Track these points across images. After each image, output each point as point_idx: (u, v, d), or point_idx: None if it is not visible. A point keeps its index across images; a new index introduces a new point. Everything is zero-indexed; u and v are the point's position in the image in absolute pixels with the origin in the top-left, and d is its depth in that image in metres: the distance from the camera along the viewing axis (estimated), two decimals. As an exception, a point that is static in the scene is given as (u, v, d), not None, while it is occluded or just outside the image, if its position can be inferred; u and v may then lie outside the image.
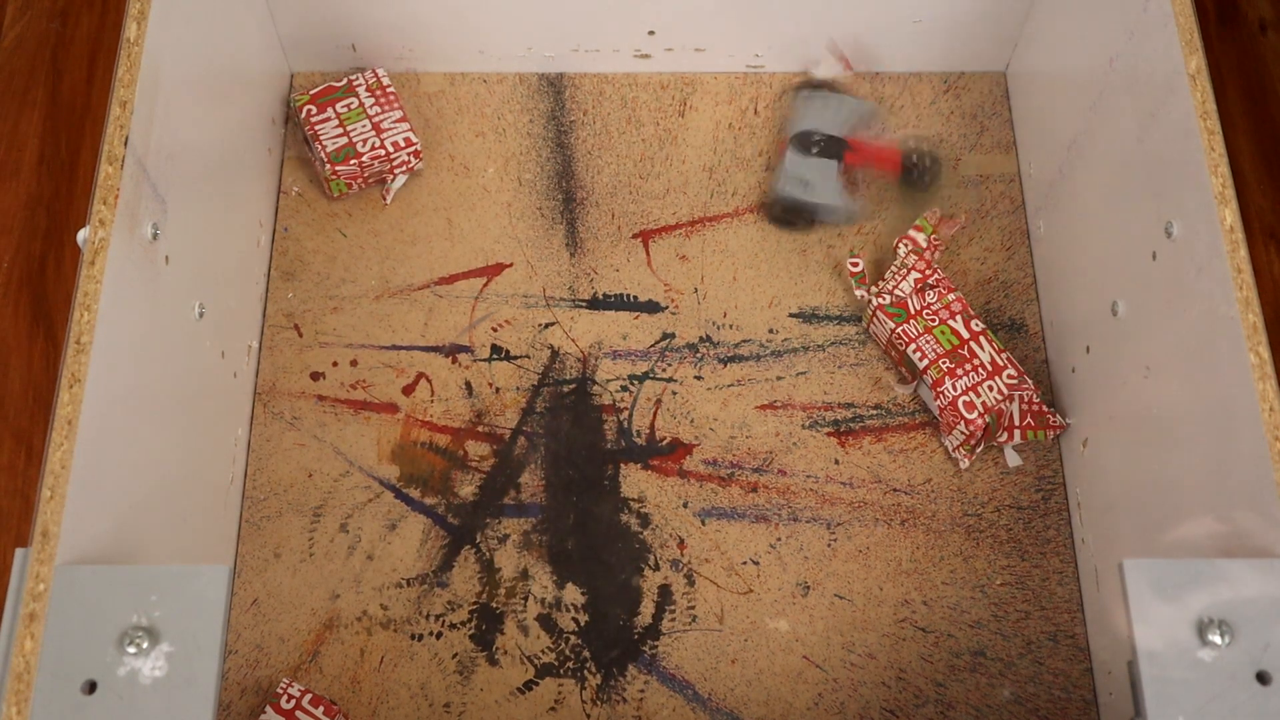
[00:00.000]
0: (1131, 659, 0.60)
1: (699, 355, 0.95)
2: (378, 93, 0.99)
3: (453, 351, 0.95)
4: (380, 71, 1.00)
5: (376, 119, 0.97)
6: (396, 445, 0.92)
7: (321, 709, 0.82)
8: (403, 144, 0.97)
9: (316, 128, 0.97)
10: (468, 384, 0.94)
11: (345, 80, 1.00)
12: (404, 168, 0.98)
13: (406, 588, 0.88)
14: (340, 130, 0.97)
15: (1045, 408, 0.90)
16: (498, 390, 0.94)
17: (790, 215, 0.98)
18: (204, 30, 0.84)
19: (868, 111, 1.01)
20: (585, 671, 0.86)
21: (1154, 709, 0.58)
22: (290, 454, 0.92)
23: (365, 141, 0.97)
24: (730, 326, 0.96)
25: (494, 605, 0.87)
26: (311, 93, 0.99)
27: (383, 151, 0.97)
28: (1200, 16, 0.85)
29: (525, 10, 0.99)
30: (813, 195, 0.97)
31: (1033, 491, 0.91)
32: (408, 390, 0.94)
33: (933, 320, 0.91)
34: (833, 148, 0.98)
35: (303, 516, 0.90)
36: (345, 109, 0.98)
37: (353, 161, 0.96)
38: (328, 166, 0.96)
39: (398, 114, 0.98)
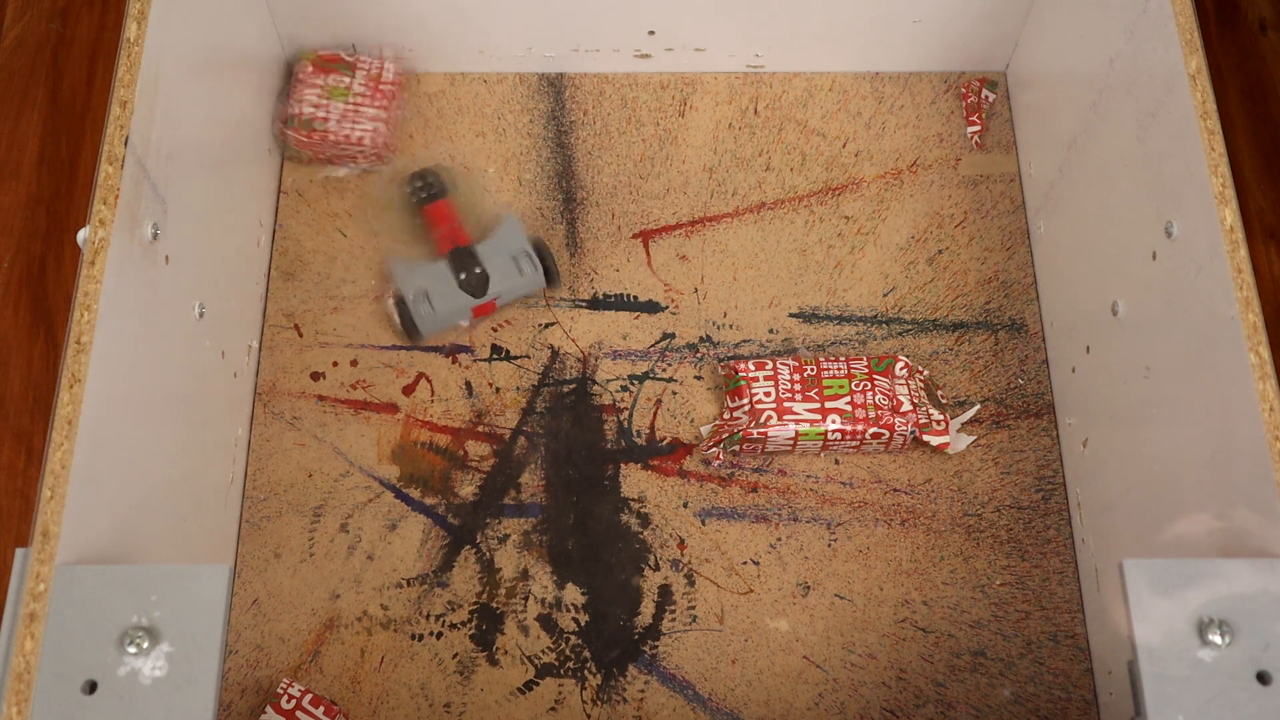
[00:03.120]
0: (1131, 659, 0.60)
1: (699, 355, 0.95)
2: (372, 85, 0.98)
3: (453, 351, 0.95)
4: (389, 65, 1.00)
5: (356, 106, 0.97)
6: (397, 445, 0.92)
7: (322, 709, 0.82)
8: (365, 141, 0.97)
9: (302, 88, 0.98)
10: (468, 384, 0.94)
11: (354, 58, 1.00)
12: (358, 160, 0.99)
13: (407, 588, 0.88)
14: (316, 100, 0.97)
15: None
16: (498, 390, 0.94)
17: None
18: (204, 30, 0.84)
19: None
20: (585, 671, 0.86)
21: (1154, 709, 0.58)
22: (290, 454, 0.92)
23: (330, 120, 0.97)
24: (730, 326, 0.96)
25: (494, 605, 0.87)
26: (320, 53, 1.00)
27: (342, 138, 0.97)
28: (1200, 16, 0.85)
29: (525, 10, 0.99)
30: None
31: (1033, 491, 0.91)
32: (408, 390, 0.94)
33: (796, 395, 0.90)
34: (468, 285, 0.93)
35: (303, 516, 0.90)
36: (335, 82, 0.98)
37: (306, 134, 0.97)
38: (278, 124, 0.98)
39: (380, 110, 0.98)
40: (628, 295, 0.97)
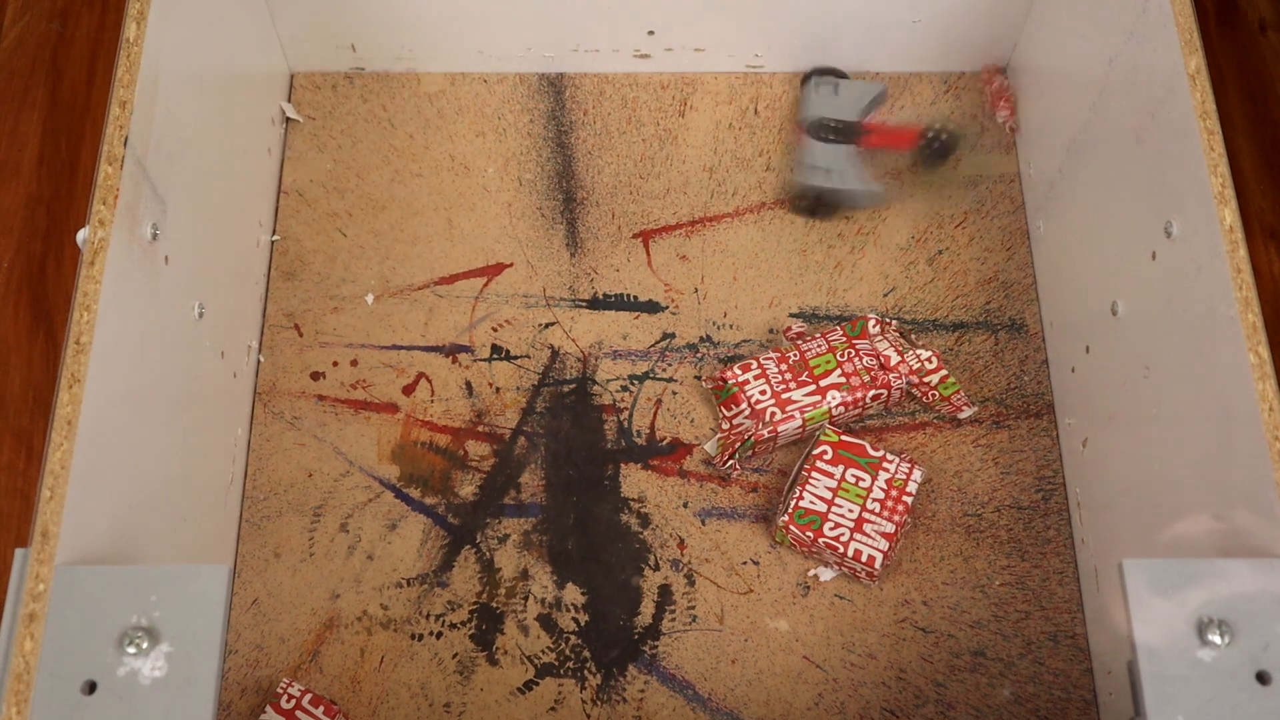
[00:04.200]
0: (1131, 659, 0.60)
1: (699, 355, 0.95)
2: (891, 491, 0.86)
3: (453, 351, 0.95)
4: (916, 475, 0.86)
5: (869, 513, 0.85)
6: (397, 445, 0.92)
7: (321, 709, 0.82)
8: (863, 559, 0.84)
9: (812, 472, 0.86)
10: (468, 384, 0.94)
11: (881, 454, 0.86)
12: (847, 572, 0.87)
13: (406, 587, 0.88)
14: (829, 493, 0.85)
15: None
16: (498, 390, 0.94)
17: (817, 205, 0.98)
18: (204, 30, 0.84)
19: (878, 93, 1.00)
20: (585, 671, 0.86)
21: (1154, 709, 0.58)
22: (290, 454, 0.92)
23: (836, 526, 0.85)
24: (730, 326, 0.96)
25: (494, 605, 0.87)
26: (842, 438, 0.87)
27: (839, 548, 0.84)
28: (1200, 17, 0.85)
29: (525, 10, 0.99)
30: (836, 182, 0.96)
31: (1033, 491, 0.91)
32: (408, 390, 0.94)
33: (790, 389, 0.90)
34: (848, 132, 0.97)
35: (303, 516, 0.90)
36: (852, 479, 0.86)
37: (809, 532, 0.85)
38: (786, 517, 0.85)
39: (890, 527, 0.85)
40: (628, 295, 0.97)
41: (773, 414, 0.88)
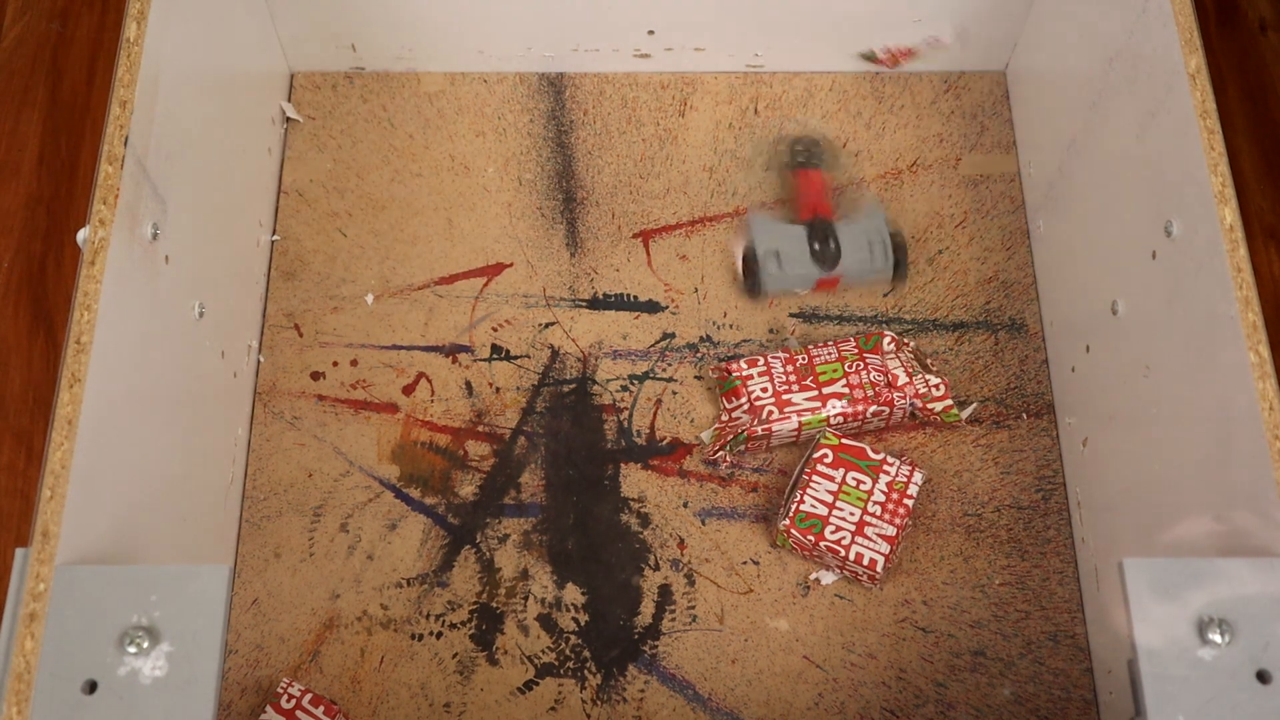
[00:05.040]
0: (1131, 658, 0.60)
1: (699, 355, 0.95)
2: (892, 494, 0.86)
3: (453, 351, 0.95)
4: (917, 478, 0.87)
5: (870, 516, 0.85)
6: (396, 445, 0.92)
7: (321, 709, 0.82)
8: (865, 562, 0.84)
9: (813, 475, 0.86)
10: (468, 384, 0.94)
11: (881, 457, 0.87)
12: (848, 575, 0.87)
13: (406, 587, 0.88)
14: (830, 496, 0.86)
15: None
16: (498, 390, 0.94)
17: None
18: (204, 30, 0.84)
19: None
20: (585, 671, 0.86)
21: (1154, 708, 0.58)
22: (290, 454, 0.92)
23: (837, 530, 0.85)
24: (730, 326, 0.96)
25: (494, 605, 0.87)
26: (843, 441, 0.88)
27: (840, 551, 0.85)
28: (1200, 16, 0.85)
29: (525, 10, 0.99)
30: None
31: (1033, 491, 0.91)
32: (408, 390, 0.94)
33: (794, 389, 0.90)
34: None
35: (303, 516, 0.90)
36: (853, 482, 0.86)
37: (810, 536, 0.85)
38: (787, 521, 0.86)
39: (891, 530, 0.85)
40: (628, 295, 0.97)
41: (770, 412, 0.88)
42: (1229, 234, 0.68)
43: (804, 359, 0.91)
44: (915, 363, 0.91)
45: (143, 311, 0.72)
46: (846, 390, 0.89)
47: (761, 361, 0.91)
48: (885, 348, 0.91)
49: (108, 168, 0.69)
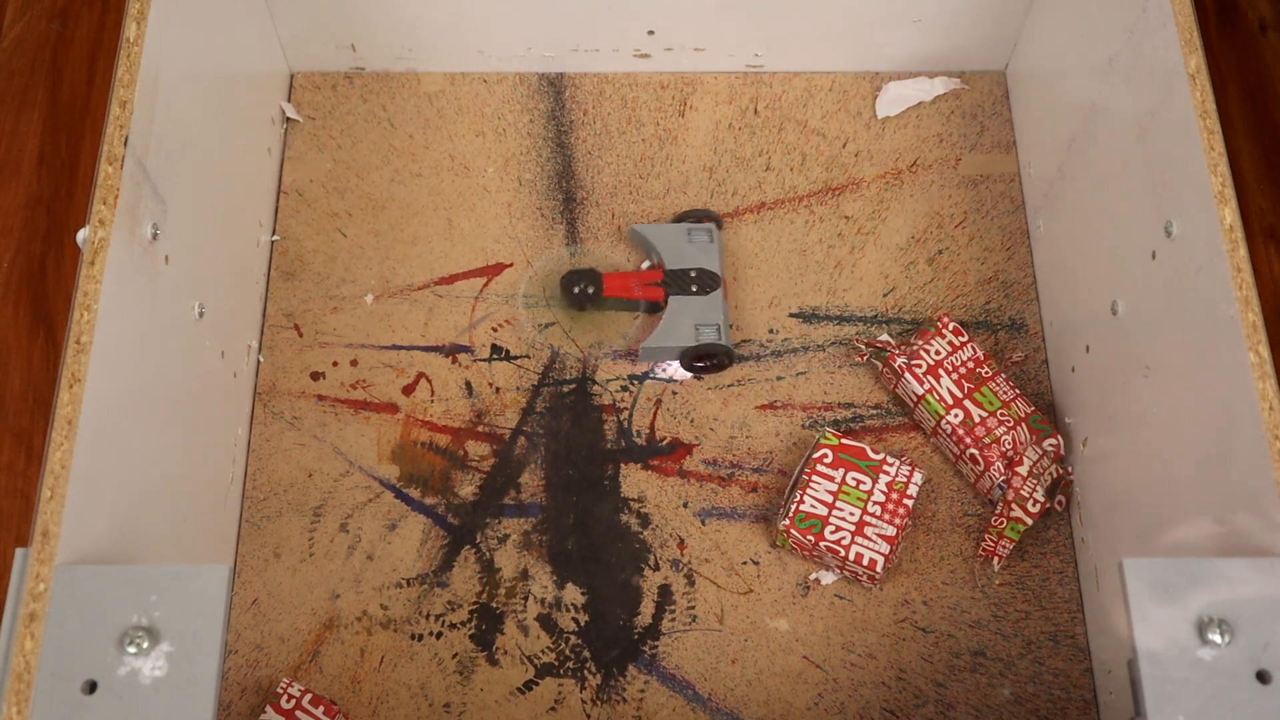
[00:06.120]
0: (1131, 658, 0.60)
1: (699, 355, 0.95)
2: (892, 494, 0.86)
3: (453, 351, 0.95)
4: (917, 478, 0.87)
5: (870, 516, 0.85)
6: (396, 445, 0.92)
7: (321, 709, 0.82)
8: (865, 562, 0.84)
9: (812, 475, 0.87)
10: (468, 384, 0.94)
11: (881, 457, 0.87)
12: (848, 575, 0.87)
13: (406, 588, 0.88)
14: (830, 496, 0.86)
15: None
16: (498, 390, 0.94)
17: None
18: (204, 30, 0.84)
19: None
20: (585, 671, 0.86)
21: (1154, 708, 0.58)
22: (290, 454, 0.92)
23: (837, 530, 0.85)
24: (730, 326, 0.96)
25: (494, 605, 0.87)
26: (842, 441, 0.88)
27: (840, 551, 0.85)
28: (1200, 16, 0.85)
29: (525, 10, 0.99)
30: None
31: (1033, 491, 0.90)
32: (408, 390, 0.94)
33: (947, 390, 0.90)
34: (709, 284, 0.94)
35: (303, 516, 0.90)
36: (853, 482, 0.86)
37: (810, 536, 0.85)
38: (787, 521, 0.86)
39: (891, 530, 0.85)
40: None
41: (919, 364, 0.89)
42: (1229, 234, 0.68)
43: (988, 370, 0.90)
44: (1048, 476, 0.88)
45: (143, 311, 0.72)
46: (977, 418, 0.88)
47: (965, 336, 0.91)
48: (1045, 446, 0.88)
49: (108, 168, 0.69)
